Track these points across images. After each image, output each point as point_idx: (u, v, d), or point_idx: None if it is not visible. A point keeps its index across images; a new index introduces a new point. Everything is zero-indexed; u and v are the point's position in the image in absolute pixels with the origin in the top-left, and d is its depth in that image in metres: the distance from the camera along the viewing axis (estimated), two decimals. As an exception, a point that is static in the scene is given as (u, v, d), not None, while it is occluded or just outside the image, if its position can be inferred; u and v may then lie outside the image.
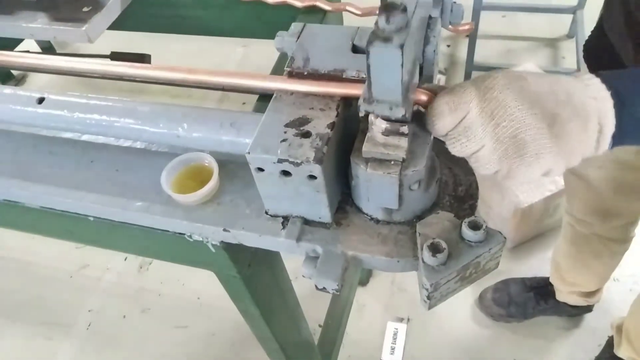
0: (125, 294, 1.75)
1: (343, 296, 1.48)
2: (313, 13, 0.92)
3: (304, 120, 0.54)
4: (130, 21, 0.99)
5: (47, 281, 1.82)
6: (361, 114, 0.48)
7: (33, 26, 0.96)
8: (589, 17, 2.10)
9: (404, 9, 0.40)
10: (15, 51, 0.97)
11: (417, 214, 0.57)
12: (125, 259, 1.84)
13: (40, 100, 0.70)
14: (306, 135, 0.52)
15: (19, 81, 2.51)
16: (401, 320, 1.58)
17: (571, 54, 2.24)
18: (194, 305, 1.69)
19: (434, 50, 0.54)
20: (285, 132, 0.53)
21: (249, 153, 0.51)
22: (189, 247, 0.66)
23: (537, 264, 1.61)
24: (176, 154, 0.66)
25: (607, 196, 1.06)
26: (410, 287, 1.64)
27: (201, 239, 0.63)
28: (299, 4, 0.94)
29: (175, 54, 2.15)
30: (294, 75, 0.56)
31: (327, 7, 0.91)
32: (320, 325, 1.46)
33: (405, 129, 0.48)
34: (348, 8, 0.91)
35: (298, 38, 0.59)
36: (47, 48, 2.31)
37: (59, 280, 1.82)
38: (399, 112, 0.45)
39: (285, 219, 0.59)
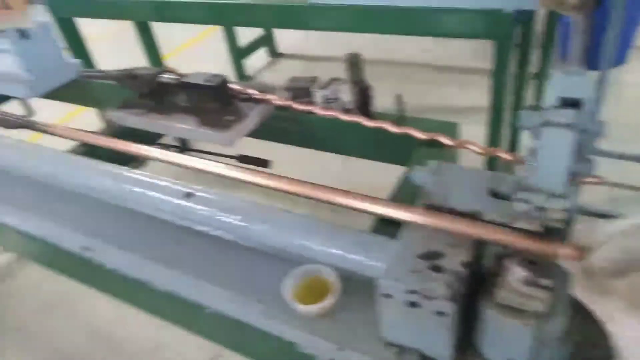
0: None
1: None
2: (432, 146, 0.96)
3: (437, 254, 0.55)
4: (264, 131, 1.11)
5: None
6: (516, 201, 0.49)
7: (183, 127, 1.11)
8: None
9: (577, 105, 0.43)
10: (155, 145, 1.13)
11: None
12: (199, 348, 1.83)
13: (189, 195, 0.78)
14: (438, 269, 0.53)
15: (140, 163, 2.80)
16: None
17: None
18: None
19: None
20: (417, 264, 0.54)
21: (381, 279, 0.53)
22: (295, 357, 0.66)
23: None
24: (297, 261, 0.69)
25: None
26: None
27: (312, 353, 0.64)
28: (420, 136, 0.99)
29: (277, 156, 2.29)
30: (432, 208, 0.59)
31: (448, 142, 0.94)
32: None
33: (547, 282, 0.48)
34: (469, 146, 0.93)
35: (434, 174, 0.63)
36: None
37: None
38: (558, 203, 0.46)
39: (401, 349, 0.58)
